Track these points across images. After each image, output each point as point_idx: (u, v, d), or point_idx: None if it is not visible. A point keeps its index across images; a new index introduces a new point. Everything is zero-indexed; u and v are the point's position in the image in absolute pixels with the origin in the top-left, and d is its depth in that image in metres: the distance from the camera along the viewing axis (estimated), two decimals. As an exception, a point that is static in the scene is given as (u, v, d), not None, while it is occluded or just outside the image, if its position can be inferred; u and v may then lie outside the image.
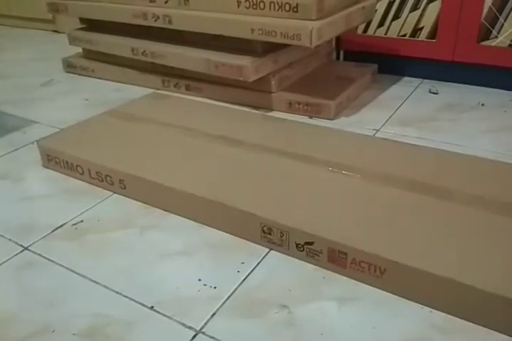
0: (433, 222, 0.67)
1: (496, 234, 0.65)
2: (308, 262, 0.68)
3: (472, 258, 0.60)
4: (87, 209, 0.82)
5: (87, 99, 1.31)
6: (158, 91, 1.30)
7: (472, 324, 0.58)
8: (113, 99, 1.27)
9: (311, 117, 1.14)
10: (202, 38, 1.22)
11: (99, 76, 1.46)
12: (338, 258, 0.65)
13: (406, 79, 1.35)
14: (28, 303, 0.63)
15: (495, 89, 1.25)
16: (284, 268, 0.68)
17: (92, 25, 1.45)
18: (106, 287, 0.65)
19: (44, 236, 0.76)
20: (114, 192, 0.86)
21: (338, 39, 1.41)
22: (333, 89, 1.18)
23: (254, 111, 1.19)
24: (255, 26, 1.07)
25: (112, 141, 0.94)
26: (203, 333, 0.58)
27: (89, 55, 1.48)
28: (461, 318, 0.58)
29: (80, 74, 1.50)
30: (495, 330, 0.57)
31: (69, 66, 1.52)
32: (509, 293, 0.54)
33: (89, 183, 0.89)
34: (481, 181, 0.77)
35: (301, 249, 0.68)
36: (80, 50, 1.51)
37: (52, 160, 0.93)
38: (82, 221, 0.79)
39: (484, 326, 0.57)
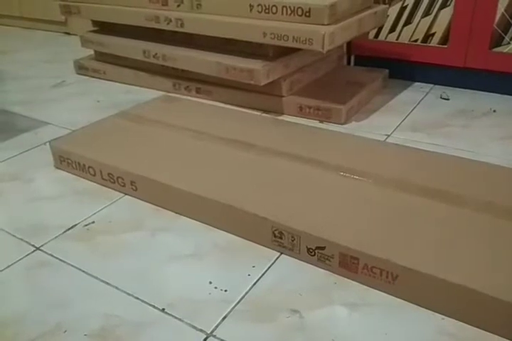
0: (445, 228, 0.67)
1: (508, 240, 0.64)
2: (320, 267, 0.68)
3: (485, 264, 0.60)
4: (99, 211, 0.82)
5: (98, 101, 1.32)
6: (168, 94, 1.30)
7: (484, 331, 0.57)
8: (124, 101, 1.28)
9: (321, 121, 1.14)
10: (213, 42, 1.23)
11: (110, 78, 1.47)
12: (349, 264, 0.65)
13: (417, 84, 1.35)
14: (39, 303, 0.63)
15: (507, 96, 1.24)
16: (295, 273, 0.68)
17: (104, 27, 1.46)
18: (117, 288, 0.66)
19: (56, 237, 0.76)
20: (126, 194, 0.87)
21: (349, 44, 1.42)
22: (344, 94, 1.18)
23: (264, 114, 1.19)
24: (267, 30, 1.07)
25: (123, 143, 0.95)
26: (214, 336, 0.58)
27: (101, 57, 1.49)
28: (473, 326, 0.58)
29: (91, 76, 1.51)
30: (504, 337, 0.56)
31: (80, 68, 1.53)
32: (523, 301, 0.54)
33: (101, 185, 0.90)
34: (492, 188, 0.76)
35: (313, 253, 0.68)
36: (91, 52, 1.52)
37: (64, 161, 0.94)
38: (93, 222, 0.79)
39: (497, 334, 0.57)
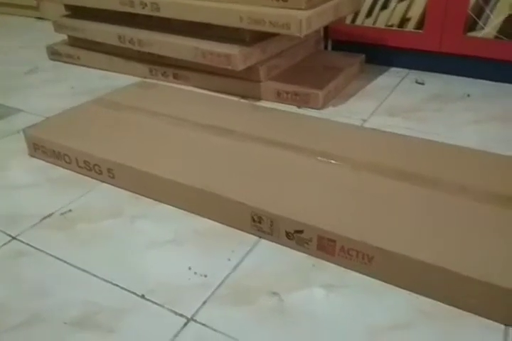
0: (420, 210, 0.69)
1: (481, 222, 0.66)
2: (298, 250, 0.69)
3: (457, 245, 0.62)
4: (76, 199, 0.82)
5: (72, 87, 1.29)
6: (145, 79, 1.29)
7: (458, 310, 0.59)
8: (99, 87, 1.26)
9: (299, 107, 1.14)
10: (190, 26, 1.21)
11: (85, 64, 1.44)
12: (327, 246, 0.66)
13: (393, 69, 1.36)
14: (17, 293, 0.63)
15: (481, 80, 1.26)
16: (274, 256, 0.68)
17: (78, 12, 1.42)
18: (96, 276, 0.65)
19: (32, 226, 0.75)
20: (103, 182, 0.86)
21: (326, 28, 1.41)
22: (322, 79, 1.19)
23: (242, 100, 1.19)
24: (244, 15, 1.06)
25: (99, 130, 0.93)
26: (195, 320, 0.58)
27: (75, 42, 1.45)
28: (448, 304, 0.60)
29: (65, 62, 1.47)
30: (478, 315, 0.58)
31: (54, 53, 1.50)
32: (493, 279, 0.56)
33: (77, 172, 0.89)
34: (466, 170, 0.78)
35: (291, 237, 0.69)
36: (65, 37, 1.48)
37: (38, 149, 0.92)
38: (70, 210, 0.79)
39: (468, 311, 0.59)
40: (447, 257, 0.59)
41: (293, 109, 1.13)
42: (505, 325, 0.57)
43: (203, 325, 0.58)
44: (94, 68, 1.41)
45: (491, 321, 0.58)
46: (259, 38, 1.17)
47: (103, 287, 0.64)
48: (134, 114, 0.99)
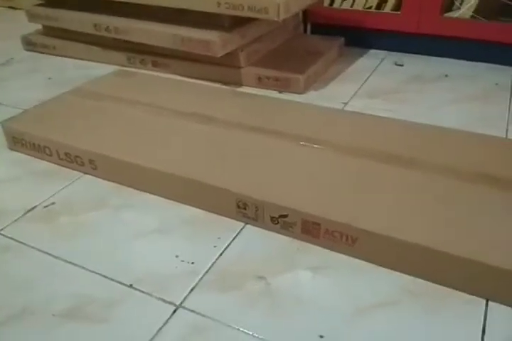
0: (400, 191, 0.70)
1: (460, 200, 0.67)
2: (283, 234, 0.70)
3: (438, 223, 0.63)
4: (58, 191, 0.81)
5: (49, 78, 1.27)
6: (123, 68, 1.27)
7: (441, 286, 0.61)
8: (77, 77, 1.24)
9: (280, 92, 1.14)
10: (167, 13, 1.19)
11: (61, 53, 1.41)
12: (311, 229, 0.67)
13: (372, 51, 1.36)
14: (3, 288, 0.63)
15: (458, 60, 1.27)
16: (260, 241, 0.69)
17: (52, 0, 1.39)
18: (83, 267, 0.65)
19: (15, 220, 0.75)
20: (85, 173, 0.85)
21: (305, 12, 1.40)
22: (302, 63, 1.18)
23: (223, 86, 1.18)
24: (221, 0, 1.05)
25: (78, 121, 0.92)
26: (183, 307, 0.59)
27: (50, 31, 1.42)
28: (431, 281, 0.61)
29: (40, 52, 1.44)
30: (460, 291, 0.60)
31: (29, 44, 1.46)
32: (474, 255, 0.57)
33: (59, 165, 0.88)
34: (448, 151, 0.79)
35: (276, 222, 0.69)
36: (39, 26, 1.45)
37: (18, 142, 0.91)
38: (53, 203, 0.78)
39: (451, 287, 0.60)
40: (429, 236, 0.61)
41: (274, 94, 1.13)
42: (487, 299, 0.59)
43: (192, 311, 0.59)
44: (71, 58, 1.39)
45: (473, 297, 0.59)
46: (238, 23, 1.15)
47: (91, 278, 0.64)
48: (113, 103, 0.98)
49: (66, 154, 0.85)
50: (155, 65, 1.27)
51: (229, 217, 0.73)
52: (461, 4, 1.19)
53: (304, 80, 1.13)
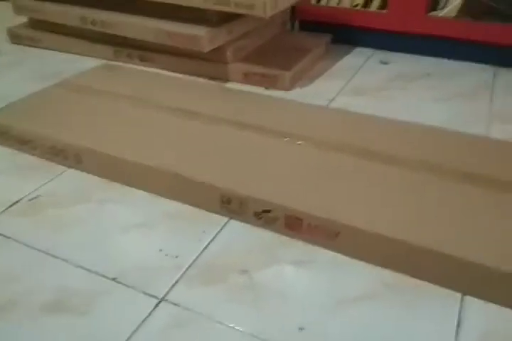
0: (382, 186, 0.71)
1: (439, 196, 0.69)
2: (267, 229, 0.71)
3: (418, 219, 0.65)
4: (43, 185, 0.81)
5: (36, 71, 1.26)
6: (110, 62, 1.26)
7: (421, 281, 0.62)
8: (63, 70, 1.23)
9: (267, 88, 1.15)
10: (155, 8, 1.19)
11: (47, 47, 1.40)
12: (294, 224, 0.68)
13: (359, 49, 1.37)
14: (-13, 280, 0.63)
15: (442, 59, 1.29)
16: (243, 236, 0.70)
17: (37, -8, 1.38)
18: (67, 261, 0.66)
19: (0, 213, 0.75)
20: (70, 167, 0.85)
21: (293, 9, 1.41)
22: (289, 60, 1.19)
23: (210, 82, 1.18)
24: (209, -5, 1.05)
25: (64, 114, 0.92)
26: (166, 301, 0.60)
27: (36, 24, 1.41)
28: (410, 276, 0.63)
29: (27, 45, 1.43)
30: (435, 284, 0.61)
31: (14, 37, 1.45)
32: (450, 250, 0.59)
33: (44, 158, 0.87)
34: (427, 148, 0.81)
35: (260, 216, 0.70)
36: (26, 19, 1.43)
37: (2, 135, 0.91)
38: (38, 196, 0.78)
39: (429, 282, 0.62)
40: (409, 231, 0.62)
41: (260, 90, 1.14)
42: (463, 294, 0.61)
43: (175, 304, 0.59)
44: (57, 51, 1.38)
45: (449, 291, 0.61)
46: (225, 19, 1.16)
47: (75, 272, 0.64)
48: (99, 97, 0.98)
49: (51, 148, 0.85)
50: (142, 60, 1.27)
51: (213, 212, 0.74)
52: (446, 4, 1.20)
53: (290, 77, 1.14)
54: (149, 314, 0.58)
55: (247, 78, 1.17)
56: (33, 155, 0.88)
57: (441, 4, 1.21)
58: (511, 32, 1.16)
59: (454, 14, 1.20)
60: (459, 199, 0.68)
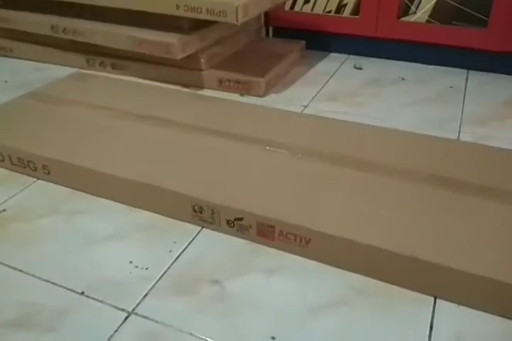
0: (354, 193, 0.71)
1: (411, 201, 0.69)
2: (240, 237, 0.70)
3: (389, 224, 0.64)
4: (10, 197, 0.79)
5: (6, 81, 1.24)
6: (82, 70, 1.25)
7: (390, 285, 0.62)
8: (34, 80, 1.21)
9: (242, 94, 1.15)
10: (126, 15, 1.17)
11: (17, 56, 1.38)
12: (266, 232, 0.67)
13: (333, 55, 1.38)
14: (-51, 298, 0.61)
15: (415, 63, 1.30)
16: (215, 245, 0.69)
17: (8, 1, 1.35)
18: (33, 275, 0.64)
19: (-36, 228, 0.72)
20: (38, 179, 0.83)
21: (266, 15, 1.41)
22: (263, 66, 1.19)
23: (184, 89, 1.17)
24: (180, 2, 1.04)
25: (33, 125, 0.90)
26: (136, 314, 0.58)
27: (6, 33, 1.38)
28: (380, 280, 0.62)
29: (-4, 55, 1.40)
30: (407, 288, 0.61)
31: (-17, 46, 1.42)
32: (420, 254, 0.59)
33: (11, 170, 0.85)
34: (400, 153, 0.81)
35: (232, 225, 0.69)
36: (-6, 28, 1.41)
37: (-32, 147, 0.88)
38: (4, 210, 0.76)
39: (401, 286, 0.62)
40: (379, 236, 0.62)
41: (235, 96, 1.13)
42: (435, 297, 0.60)
43: (145, 317, 0.58)
44: (28, 60, 1.36)
45: (421, 295, 0.61)
46: (198, 25, 1.15)
47: (41, 287, 0.62)
48: (70, 107, 0.97)
49: (19, 159, 0.83)
50: (114, 68, 1.26)
51: (185, 221, 0.73)
52: (417, 9, 1.22)
53: (265, 83, 1.14)
54: (118, 328, 0.56)
55: (221, 85, 1.17)
56: (1, 167, 0.86)
57: (413, 9, 1.22)
58: (482, 35, 1.18)
59: (425, 19, 1.22)
60: (429, 203, 0.69)
